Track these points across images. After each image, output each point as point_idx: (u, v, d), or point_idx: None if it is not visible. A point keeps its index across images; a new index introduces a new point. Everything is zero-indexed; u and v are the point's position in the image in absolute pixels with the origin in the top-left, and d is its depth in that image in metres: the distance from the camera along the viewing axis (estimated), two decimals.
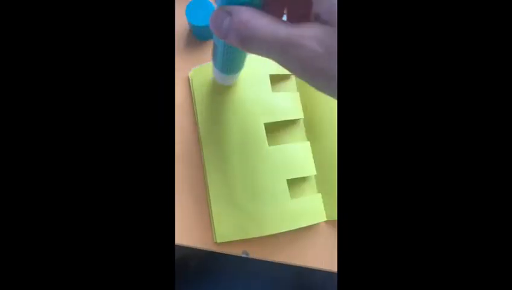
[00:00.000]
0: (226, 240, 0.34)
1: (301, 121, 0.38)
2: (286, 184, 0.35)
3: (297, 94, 0.38)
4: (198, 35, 0.38)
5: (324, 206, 0.37)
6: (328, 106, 0.38)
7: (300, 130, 0.38)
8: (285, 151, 0.35)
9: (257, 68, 0.36)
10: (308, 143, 0.37)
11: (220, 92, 0.36)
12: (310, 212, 0.36)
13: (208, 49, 0.39)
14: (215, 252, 0.36)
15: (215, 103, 0.36)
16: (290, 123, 0.38)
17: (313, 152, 0.37)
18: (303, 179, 0.37)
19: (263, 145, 0.35)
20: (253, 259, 0.36)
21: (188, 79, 0.38)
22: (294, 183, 0.37)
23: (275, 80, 0.38)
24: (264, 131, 0.35)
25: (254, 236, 0.34)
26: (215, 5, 0.26)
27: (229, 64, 0.29)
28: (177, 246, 0.35)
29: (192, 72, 0.38)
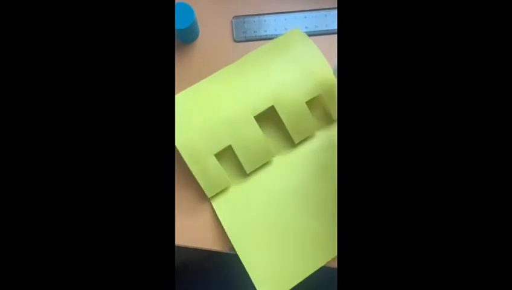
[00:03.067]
0: (179, 149, 0.35)
1: (291, 143, 0.39)
2: (224, 146, 0.36)
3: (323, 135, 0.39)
4: (182, 38, 0.39)
5: (221, 192, 0.37)
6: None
7: (282, 143, 0.39)
8: (253, 131, 0.36)
9: (321, 73, 0.37)
10: (271, 154, 0.38)
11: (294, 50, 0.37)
12: (212, 178, 0.36)
13: (191, 50, 0.40)
14: (209, 251, 0.36)
15: (272, 57, 0.37)
16: (284, 131, 0.39)
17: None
18: (236, 161, 0.38)
19: (251, 113, 0.36)
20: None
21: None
22: (228, 154, 0.38)
23: (315, 104, 0.39)
24: (264, 109, 0.36)
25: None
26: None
27: None
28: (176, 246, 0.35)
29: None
